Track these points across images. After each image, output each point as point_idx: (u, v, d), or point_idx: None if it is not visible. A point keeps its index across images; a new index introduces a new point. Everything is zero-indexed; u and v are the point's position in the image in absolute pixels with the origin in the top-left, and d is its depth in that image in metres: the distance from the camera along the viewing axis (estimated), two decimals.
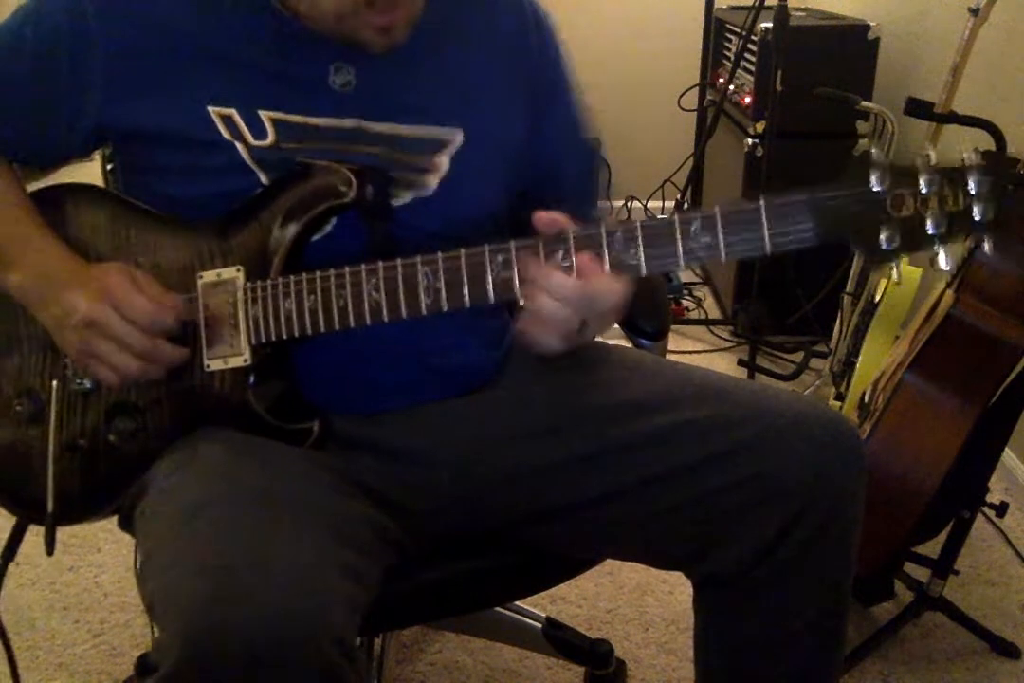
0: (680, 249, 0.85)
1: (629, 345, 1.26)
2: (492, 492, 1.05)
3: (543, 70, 1.11)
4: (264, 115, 0.98)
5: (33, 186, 1.08)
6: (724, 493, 0.98)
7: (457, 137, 1.03)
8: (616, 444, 1.01)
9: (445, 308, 0.91)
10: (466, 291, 0.90)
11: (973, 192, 0.79)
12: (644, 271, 0.87)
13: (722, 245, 0.84)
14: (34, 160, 1.09)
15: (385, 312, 0.93)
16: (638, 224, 0.86)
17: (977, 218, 0.79)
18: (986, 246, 0.80)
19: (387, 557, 0.97)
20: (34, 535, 1.08)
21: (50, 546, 1.03)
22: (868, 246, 0.82)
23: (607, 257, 0.87)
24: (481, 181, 1.05)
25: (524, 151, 1.09)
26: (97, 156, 1.21)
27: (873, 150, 0.82)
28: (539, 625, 1.50)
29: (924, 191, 0.80)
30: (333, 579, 0.82)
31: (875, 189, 0.81)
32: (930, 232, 0.80)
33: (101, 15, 0.96)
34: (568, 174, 1.17)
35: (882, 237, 0.81)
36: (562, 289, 0.86)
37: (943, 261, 0.81)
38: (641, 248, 0.86)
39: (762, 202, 0.83)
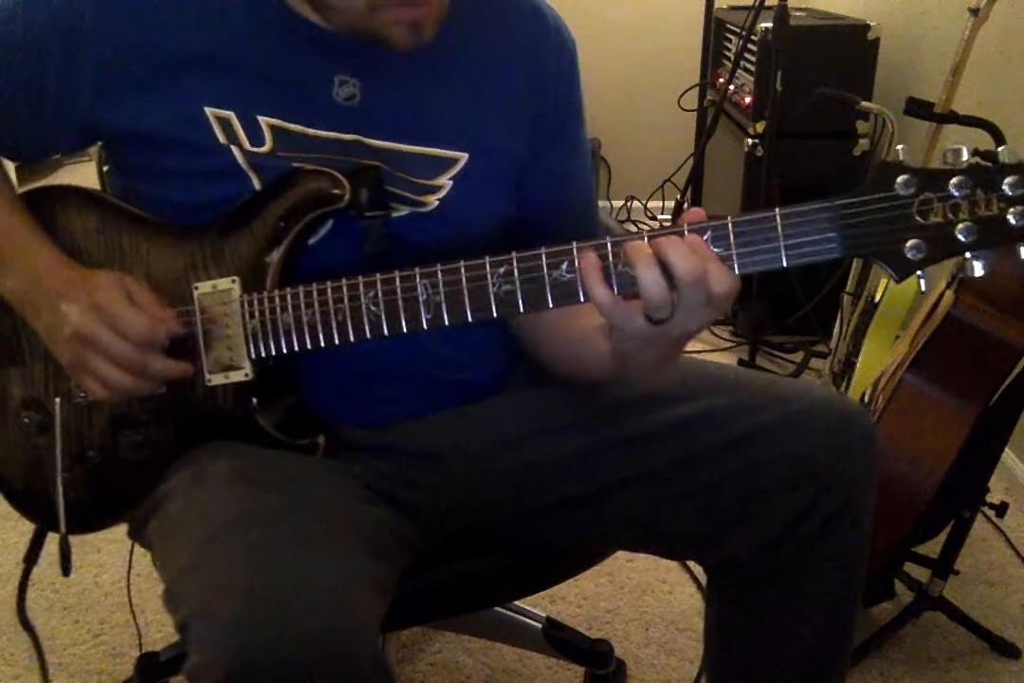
0: None
1: None
2: (508, 486, 1.05)
3: (552, 107, 1.07)
4: (263, 121, 0.96)
5: (27, 187, 1.08)
6: (743, 477, 0.98)
7: (461, 159, 1.01)
8: (635, 433, 1.02)
9: (447, 323, 0.89)
10: (467, 305, 0.87)
11: (1009, 195, 0.73)
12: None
13: (735, 258, 0.79)
14: (21, 153, 1.07)
15: (385, 327, 0.90)
16: (645, 233, 0.82)
17: (1013, 223, 0.73)
18: (1022, 253, 0.74)
19: (403, 560, 0.97)
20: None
21: (66, 567, 1.03)
22: (892, 257, 0.76)
23: (614, 270, 0.82)
24: (481, 202, 1.03)
25: (524, 173, 1.07)
26: (94, 157, 1.21)
27: (900, 148, 0.76)
28: (539, 625, 1.49)
29: (955, 194, 0.74)
30: (364, 594, 0.82)
31: (901, 194, 0.75)
32: (961, 240, 0.74)
33: (98, 10, 0.94)
34: (571, 201, 1.13)
35: (908, 246, 0.76)
36: (682, 260, 0.77)
37: (975, 268, 0.75)
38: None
39: (777, 210, 0.78)
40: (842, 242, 0.77)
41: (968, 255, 0.76)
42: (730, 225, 0.79)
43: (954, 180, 0.74)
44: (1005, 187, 0.73)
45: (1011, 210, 0.73)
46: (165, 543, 0.93)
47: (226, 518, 0.86)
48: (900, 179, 0.75)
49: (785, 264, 0.79)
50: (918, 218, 0.75)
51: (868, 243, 0.77)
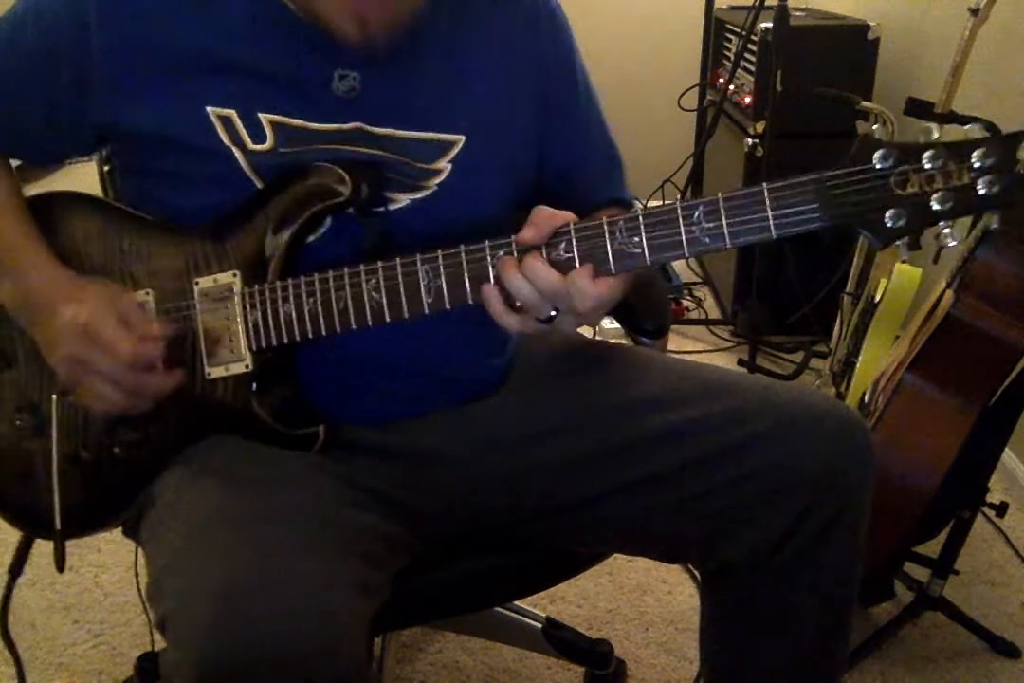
0: (684, 236, 0.85)
1: (630, 343, 1.26)
2: (503, 490, 1.05)
3: (558, 80, 1.09)
4: (264, 118, 0.96)
5: (30, 190, 1.08)
6: (739, 484, 0.98)
7: (459, 141, 1.02)
8: (630, 440, 1.02)
9: (448, 306, 0.90)
10: (468, 288, 0.89)
11: (977, 166, 0.79)
12: (648, 260, 0.86)
13: (726, 230, 0.84)
14: (35, 156, 1.08)
15: (387, 313, 0.91)
16: (640, 213, 0.86)
17: (982, 192, 0.79)
18: (993, 220, 0.80)
19: (396, 563, 0.97)
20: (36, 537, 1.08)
21: (60, 563, 1.03)
22: (874, 226, 0.81)
23: (610, 247, 0.86)
24: (480, 186, 1.04)
25: (533, 162, 1.09)
26: (94, 157, 1.21)
27: (875, 128, 0.82)
28: (539, 625, 1.49)
29: (928, 167, 0.80)
30: (342, 596, 0.82)
31: (879, 167, 0.81)
32: (936, 208, 0.80)
33: (102, 12, 0.95)
34: (589, 175, 1.16)
35: (887, 216, 0.81)
36: (540, 280, 0.87)
37: (949, 238, 0.81)
38: (644, 237, 0.86)
39: (764, 185, 0.83)
40: (826, 211, 0.82)
41: (943, 226, 0.81)
42: (720, 201, 0.84)
43: (927, 153, 0.80)
44: (974, 159, 0.79)
45: (980, 180, 0.79)
46: (151, 540, 0.94)
47: (209, 518, 0.87)
48: (878, 153, 0.81)
49: (774, 234, 0.84)
50: (896, 189, 0.81)
51: (850, 213, 0.82)
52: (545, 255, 0.88)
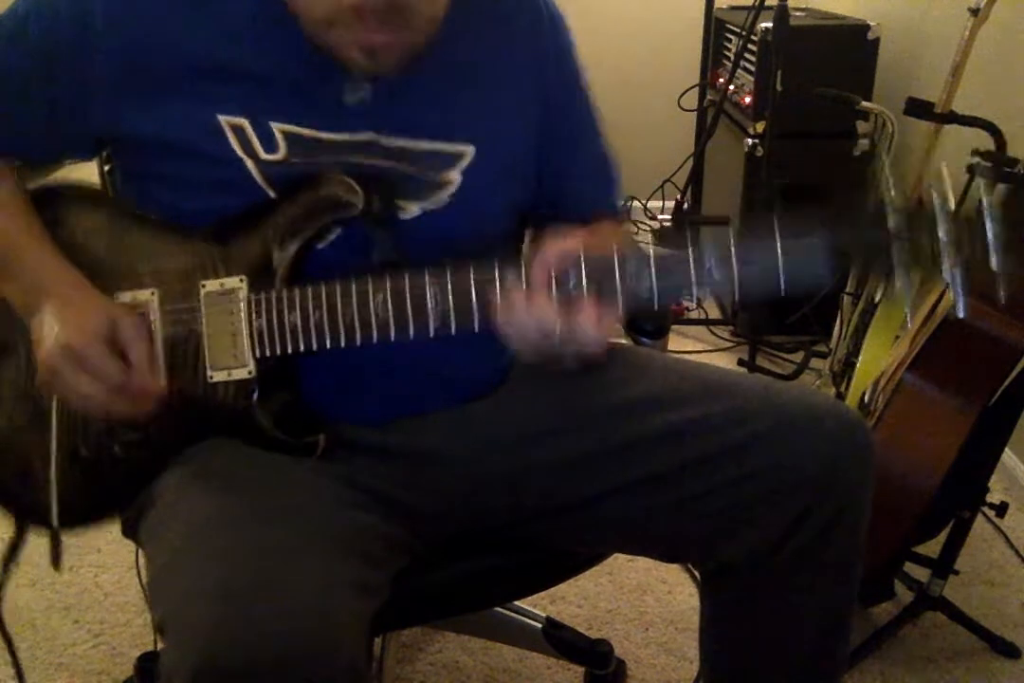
0: (694, 282, 0.85)
1: (630, 343, 1.26)
2: (503, 490, 1.05)
3: (558, 81, 1.09)
4: (276, 128, 0.96)
5: (28, 184, 1.07)
6: (739, 484, 0.98)
7: (469, 152, 1.01)
8: (630, 440, 1.02)
9: (454, 331, 0.90)
10: (475, 315, 0.89)
11: (992, 243, 0.79)
12: (656, 302, 0.86)
13: (736, 281, 0.85)
14: (34, 156, 1.08)
15: (393, 331, 0.92)
16: (651, 254, 0.86)
17: (996, 269, 0.79)
18: (1002, 295, 0.80)
19: (396, 563, 0.97)
20: (34, 536, 1.08)
21: (56, 560, 1.03)
22: (883, 284, 0.84)
23: (620, 286, 0.86)
24: (491, 196, 1.04)
25: (535, 164, 1.09)
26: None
27: (889, 178, 0.82)
28: (539, 625, 1.49)
29: (943, 239, 0.80)
30: (341, 597, 0.82)
31: (894, 234, 0.81)
32: (946, 279, 0.81)
33: (107, 14, 0.94)
34: (585, 185, 1.15)
35: (898, 282, 0.82)
36: (546, 323, 0.87)
37: (958, 308, 0.81)
38: (654, 277, 0.86)
39: (778, 242, 0.83)
40: (836, 273, 0.83)
41: (952, 293, 0.81)
42: (733, 252, 0.84)
43: (943, 226, 0.80)
44: (990, 235, 0.79)
45: (994, 257, 0.79)
46: (151, 540, 0.94)
47: (209, 518, 0.87)
48: (893, 220, 0.81)
49: (784, 290, 0.84)
50: (908, 258, 0.81)
51: (860, 274, 0.83)
52: (554, 290, 0.87)
